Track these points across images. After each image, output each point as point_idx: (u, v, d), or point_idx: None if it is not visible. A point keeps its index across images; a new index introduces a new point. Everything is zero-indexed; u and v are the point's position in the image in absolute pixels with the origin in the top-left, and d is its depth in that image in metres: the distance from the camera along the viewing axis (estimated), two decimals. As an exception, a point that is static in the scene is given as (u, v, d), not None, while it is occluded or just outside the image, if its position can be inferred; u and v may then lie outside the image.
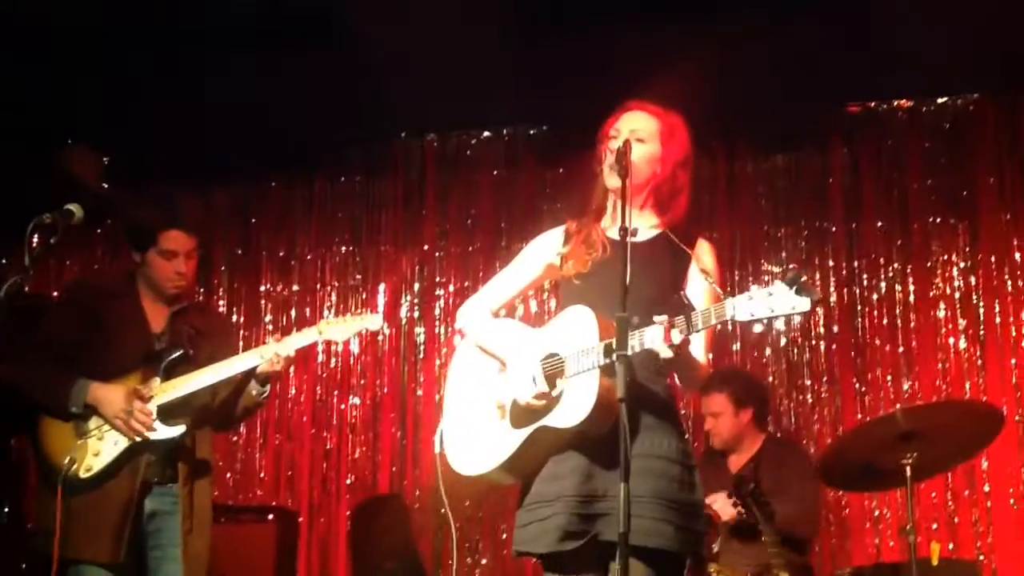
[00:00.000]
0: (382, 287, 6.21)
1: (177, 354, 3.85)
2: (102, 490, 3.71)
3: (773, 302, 2.61)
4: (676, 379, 3.04)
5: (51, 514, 3.61)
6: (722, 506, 4.47)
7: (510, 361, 3.04)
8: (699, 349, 2.98)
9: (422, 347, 6.13)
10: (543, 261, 3.21)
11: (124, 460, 3.74)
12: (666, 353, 2.74)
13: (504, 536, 5.75)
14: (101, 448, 3.74)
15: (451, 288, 6.17)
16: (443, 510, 3.33)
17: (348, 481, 6.01)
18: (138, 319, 3.92)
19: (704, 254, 3.11)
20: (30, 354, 3.85)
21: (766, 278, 5.90)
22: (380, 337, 6.11)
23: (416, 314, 6.18)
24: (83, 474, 3.70)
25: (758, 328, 5.62)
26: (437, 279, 6.19)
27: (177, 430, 3.76)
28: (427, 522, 5.83)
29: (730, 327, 5.43)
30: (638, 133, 3.06)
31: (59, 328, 3.92)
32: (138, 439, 3.72)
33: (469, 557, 5.77)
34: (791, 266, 2.50)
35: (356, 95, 5.56)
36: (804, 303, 2.60)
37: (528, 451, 2.97)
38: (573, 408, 2.87)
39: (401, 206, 6.29)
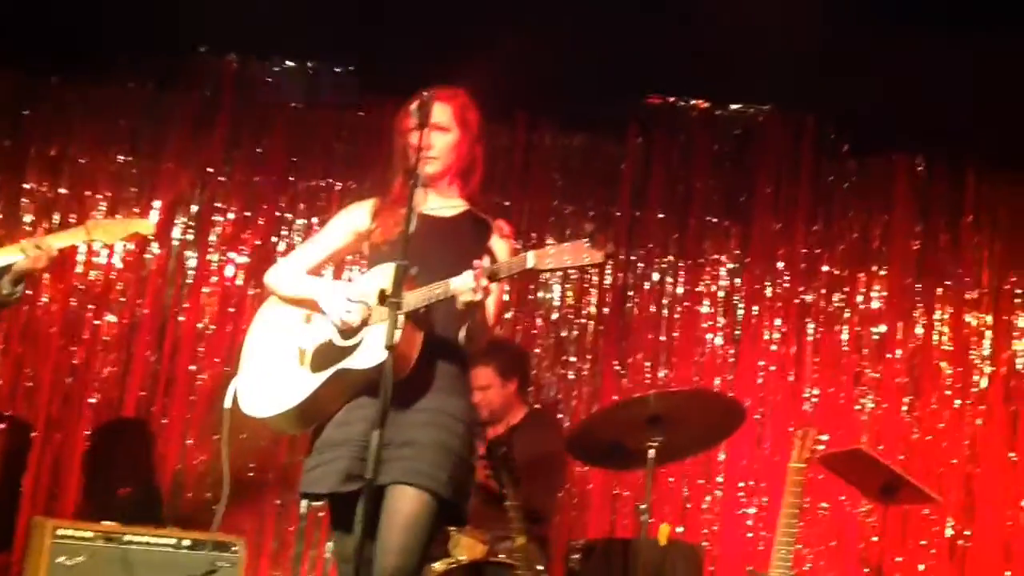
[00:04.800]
0: (157, 204, 5.91)
1: None
2: None
3: (569, 252, 2.77)
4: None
5: None
6: None
7: (323, 301, 3.08)
8: (489, 311, 3.09)
9: (192, 272, 5.89)
10: (351, 230, 3.29)
11: None
12: (468, 297, 2.85)
13: (227, 476, 5.63)
14: None
15: (230, 215, 5.94)
16: (224, 466, 3.36)
17: (92, 400, 5.73)
18: None
19: (499, 235, 3.22)
20: None
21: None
22: (147, 256, 5.83)
23: (190, 237, 5.94)
24: None
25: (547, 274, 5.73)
26: (217, 204, 5.95)
27: None
28: (169, 452, 5.67)
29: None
30: (438, 123, 3.17)
31: None
32: None
33: (209, 492, 5.61)
34: (590, 226, 2.82)
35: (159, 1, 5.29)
36: (597, 256, 2.76)
37: (324, 394, 3.05)
38: (373, 350, 2.93)
39: (189, 124, 6.00)
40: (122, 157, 5.97)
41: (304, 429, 3.15)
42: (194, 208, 5.95)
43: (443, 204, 3.22)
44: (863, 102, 5.57)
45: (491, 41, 4.69)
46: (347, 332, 3.05)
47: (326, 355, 3.07)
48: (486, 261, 2.88)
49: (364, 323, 3.03)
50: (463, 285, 2.86)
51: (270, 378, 3.18)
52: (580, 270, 2.91)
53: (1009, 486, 5.66)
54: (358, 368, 2.98)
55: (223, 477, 3.38)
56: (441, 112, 3.20)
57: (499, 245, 3.20)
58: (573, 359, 5.96)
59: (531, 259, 2.80)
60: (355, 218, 3.30)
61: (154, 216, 5.83)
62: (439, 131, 3.17)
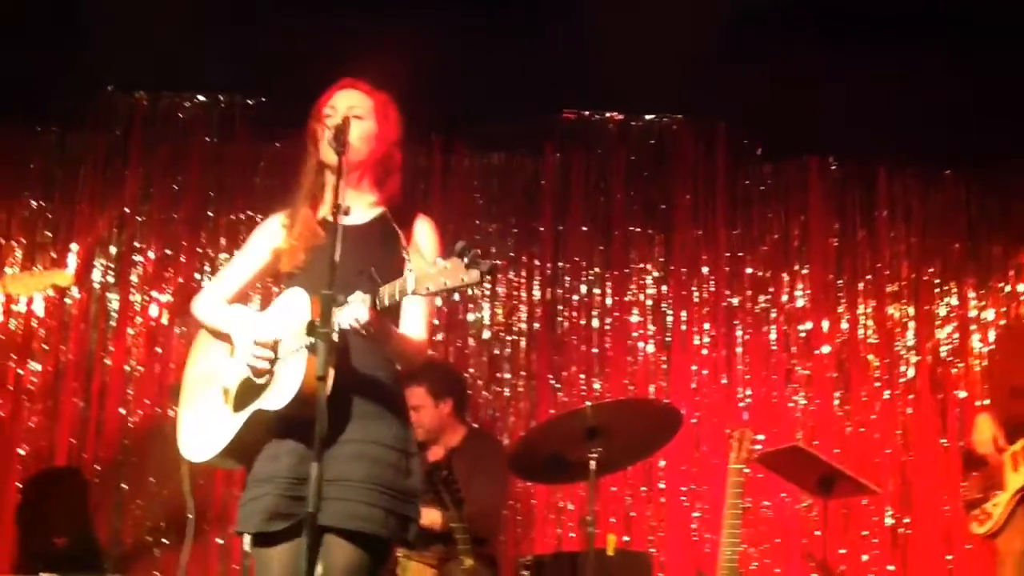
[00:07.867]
0: (74, 247, 5.81)
1: None
2: None
3: (448, 275, 2.58)
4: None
5: None
6: (429, 517, 4.45)
7: (236, 341, 3.01)
8: (417, 324, 2.99)
9: (115, 314, 5.80)
10: (270, 246, 3.12)
11: None
12: (355, 327, 2.73)
13: (191, 516, 5.54)
14: None
15: (150, 255, 5.86)
16: (189, 508, 3.22)
17: (21, 451, 5.59)
18: None
19: (421, 232, 3.10)
20: None
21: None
22: (68, 301, 5.72)
23: (111, 279, 5.84)
24: None
25: (439, 301, 5.66)
26: (136, 244, 5.87)
27: None
28: (106, 498, 5.54)
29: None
30: (355, 110, 3.05)
31: None
32: None
33: (150, 536, 5.52)
34: (461, 243, 2.52)
35: (65, 39, 5.20)
36: (474, 275, 2.56)
37: (247, 435, 2.95)
38: (282, 390, 2.85)
39: (102, 164, 5.91)
40: (35, 202, 5.86)
41: (243, 465, 3.05)
42: (113, 249, 5.85)
43: (356, 209, 2.99)
44: (773, 106, 5.67)
45: (403, 66, 4.69)
46: (259, 371, 2.93)
47: (246, 394, 2.96)
48: (366, 298, 2.70)
49: (274, 360, 2.90)
50: (347, 318, 2.73)
51: (201, 420, 3.08)
52: (462, 291, 2.65)
53: (943, 472, 5.77)
54: (269, 409, 2.88)
55: (188, 520, 3.26)
56: (358, 98, 3.08)
57: (426, 241, 3.06)
58: (508, 376, 5.97)
59: (411, 282, 2.63)
60: (270, 233, 3.14)
61: (72, 260, 5.73)
62: (355, 118, 2.99)
